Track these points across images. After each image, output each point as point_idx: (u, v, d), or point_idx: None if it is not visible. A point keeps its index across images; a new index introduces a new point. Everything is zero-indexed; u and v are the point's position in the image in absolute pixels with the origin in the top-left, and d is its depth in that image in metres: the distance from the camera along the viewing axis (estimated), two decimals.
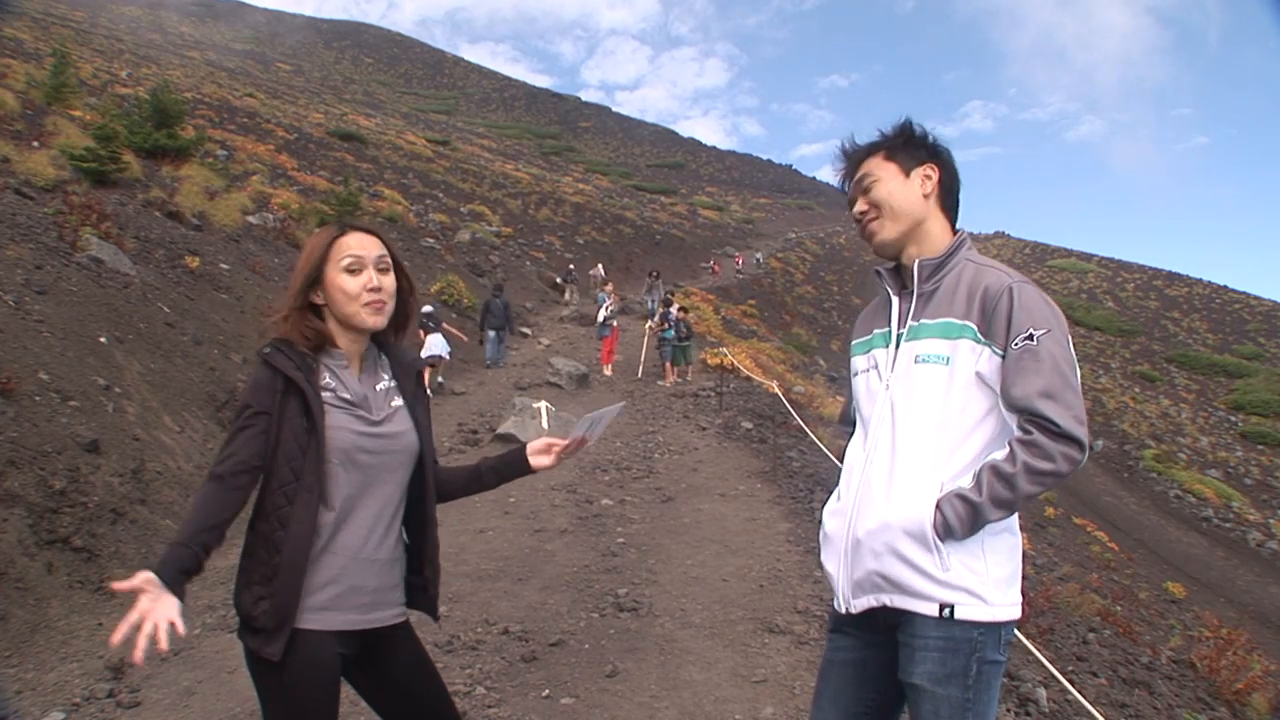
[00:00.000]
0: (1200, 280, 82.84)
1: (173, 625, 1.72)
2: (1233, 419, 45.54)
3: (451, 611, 5.23)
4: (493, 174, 50.90)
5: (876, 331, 2.14)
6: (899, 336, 2.06)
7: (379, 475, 2.08)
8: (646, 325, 19.12)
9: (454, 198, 36.79)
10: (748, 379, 16.45)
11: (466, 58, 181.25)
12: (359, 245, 2.10)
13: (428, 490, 2.19)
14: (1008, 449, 1.87)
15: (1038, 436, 1.83)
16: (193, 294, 10.25)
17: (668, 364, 16.68)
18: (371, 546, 2.06)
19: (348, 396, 2.07)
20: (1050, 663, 4.43)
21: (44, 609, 4.92)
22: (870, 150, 2.13)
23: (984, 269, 2.00)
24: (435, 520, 2.24)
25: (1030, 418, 1.85)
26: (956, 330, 1.95)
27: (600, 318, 17.74)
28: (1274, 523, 28.25)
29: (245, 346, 9.88)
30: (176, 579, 1.81)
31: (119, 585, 1.73)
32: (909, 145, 2.10)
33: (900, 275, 2.13)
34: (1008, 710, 4.75)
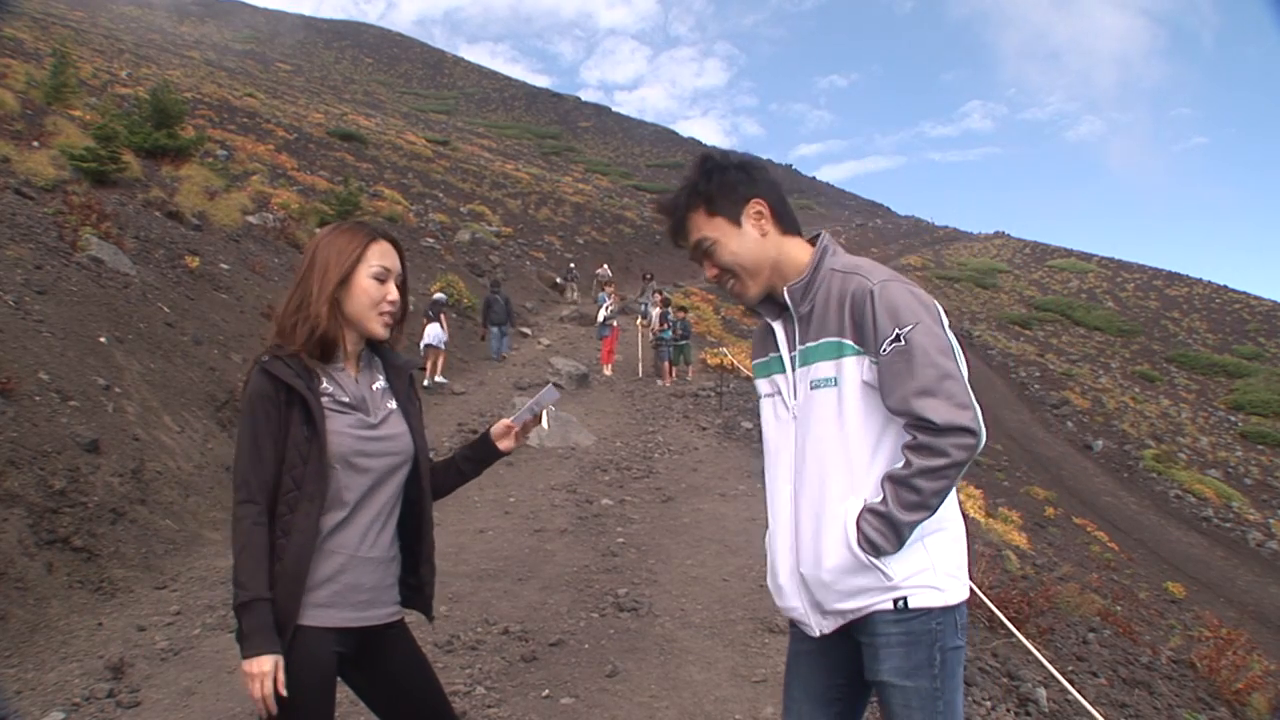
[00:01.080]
0: (1200, 280, 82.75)
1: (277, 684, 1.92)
2: (1233, 419, 45.51)
3: (451, 611, 5.23)
4: (492, 174, 50.90)
5: (772, 355, 2.14)
6: (791, 361, 2.06)
7: (380, 477, 2.09)
8: (639, 323, 19.06)
9: (454, 197, 36.81)
10: (748, 379, 16.45)
11: (466, 58, 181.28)
12: (388, 256, 2.14)
13: (424, 492, 2.20)
14: (903, 458, 1.89)
15: (923, 438, 1.85)
16: (193, 294, 10.25)
17: (666, 363, 16.69)
18: (368, 545, 2.08)
19: (346, 399, 2.08)
20: (1050, 663, 4.43)
21: (44, 609, 4.92)
22: (690, 205, 2.08)
23: (848, 276, 1.98)
24: (432, 521, 2.25)
25: (913, 421, 1.86)
26: (836, 349, 1.96)
27: (600, 318, 17.76)
28: (1274, 523, 28.23)
29: (245, 346, 9.87)
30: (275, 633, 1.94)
31: (268, 690, 1.90)
32: (723, 189, 2.04)
33: (774, 300, 2.12)
34: (1008, 710, 4.75)
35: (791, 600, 2.08)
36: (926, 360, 1.84)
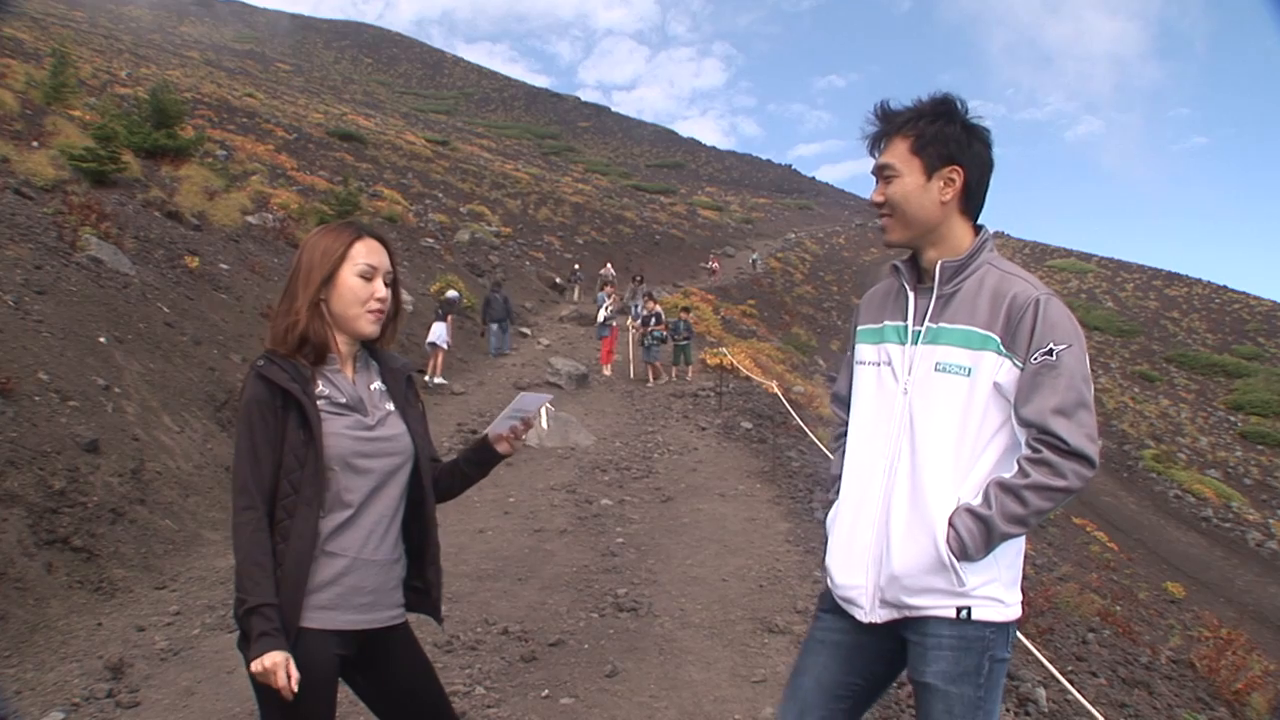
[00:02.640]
0: (1199, 280, 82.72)
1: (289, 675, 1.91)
2: (1232, 419, 45.51)
3: (451, 611, 5.22)
4: (492, 174, 50.88)
5: (888, 323, 2.09)
6: (916, 335, 2.01)
7: (382, 479, 2.08)
8: (629, 324, 18.93)
9: (453, 198, 36.79)
10: (747, 379, 16.45)
11: (465, 58, 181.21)
12: (374, 254, 2.12)
13: (426, 493, 2.19)
14: (1017, 467, 1.87)
15: (1047, 454, 1.83)
16: (192, 294, 10.25)
17: (659, 364, 16.64)
18: (371, 548, 2.07)
19: (343, 400, 2.07)
20: (1050, 662, 4.43)
21: (43, 609, 4.92)
22: (901, 130, 2.01)
23: (1008, 276, 1.96)
24: (436, 523, 2.23)
25: (1040, 434, 1.84)
26: (980, 340, 1.92)
27: (600, 318, 17.77)
28: (1273, 523, 28.24)
29: (245, 346, 9.87)
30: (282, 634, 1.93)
31: (282, 682, 1.88)
32: (939, 140, 1.98)
33: (917, 268, 2.08)
34: (1007, 710, 4.75)
35: (855, 578, 2.02)
36: (1072, 383, 1.84)
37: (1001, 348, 1.90)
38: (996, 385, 1.91)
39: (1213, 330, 65.89)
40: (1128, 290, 77.21)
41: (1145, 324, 65.10)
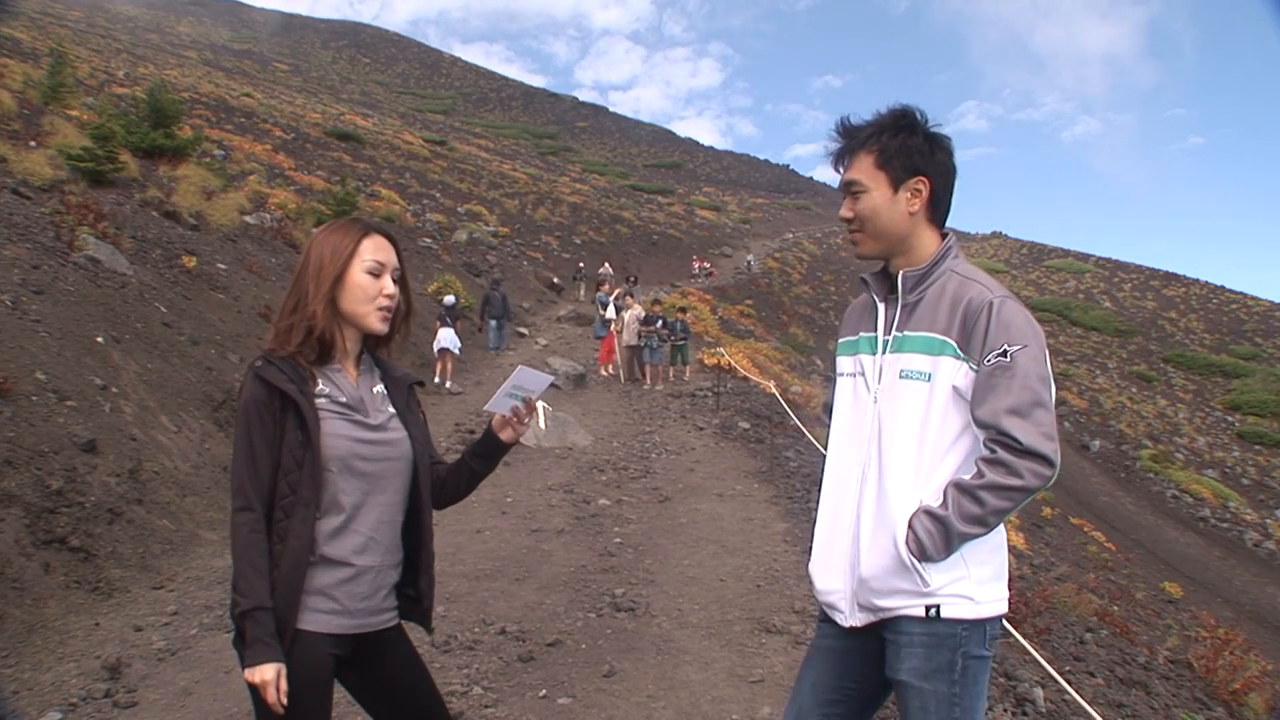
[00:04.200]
0: (1197, 280, 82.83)
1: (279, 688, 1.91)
2: (1230, 419, 45.58)
3: (448, 611, 5.23)
4: (490, 174, 50.89)
5: (863, 335, 2.14)
6: (885, 344, 2.06)
7: (379, 482, 2.07)
8: (613, 328, 18.75)
9: (451, 197, 36.78)
10: (745, 379, 16.46)
11: (462, 58, 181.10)
12: (381, 250, 2.12)
13: (423, 502, 2.18)
14: (975, 468, 1.89)
15: (1002, 454, 1.85)
16: (190, 294, 10.24)
17: (659, 366, 16.61)
18: (369, 554, 2.06)
19: (344, 400, 2.06)
20: (1047, 663, 4.43)
21: (41, 609, 4.91)
22: (865, 145, 2.05)
23: (967, 282, 1.99)
24: (431, 532, 2.22)
25: (996, 435, 1.86)
26: (938, 346, 1.96)
27: (608, 316, 17.74)
28: (1270, 523, 28.29)
29: (242, 346, 9.87)
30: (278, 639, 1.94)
31: (272, 698, 1.88)
32: (904, 152, 2.02)
33: (887, 279, 2.13)
34: (1005, 710, 4.76)
35: (835, 583, 2.06)
36: (1026, 383, 1.86)
37: (958, 351, 1.94)
38: (955, 389, 1.94)
39: (1210, 330, 65.97)
40: (1125, 290, 77.30)
41: (1143, 324, 65.16)
